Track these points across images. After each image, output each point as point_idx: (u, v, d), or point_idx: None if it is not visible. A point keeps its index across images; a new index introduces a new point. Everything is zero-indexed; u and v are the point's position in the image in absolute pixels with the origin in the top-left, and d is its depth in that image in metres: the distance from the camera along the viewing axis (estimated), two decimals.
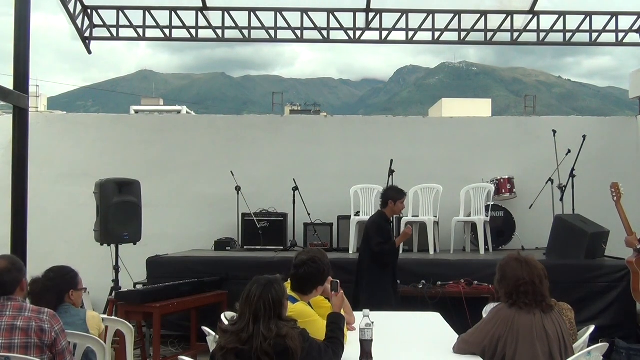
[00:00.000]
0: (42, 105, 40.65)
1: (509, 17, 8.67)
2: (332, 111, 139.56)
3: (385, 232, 6.23)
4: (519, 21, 8.72)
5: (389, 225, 6.35)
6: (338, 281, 3.76)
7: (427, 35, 8.78)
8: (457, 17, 8.67)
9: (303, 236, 8.36)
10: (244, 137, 9.17)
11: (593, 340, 3.80)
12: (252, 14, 8.61)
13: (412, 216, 8.10)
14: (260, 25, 8.65)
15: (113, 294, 6.44)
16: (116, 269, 6.67)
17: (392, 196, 6.17)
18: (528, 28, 8.74)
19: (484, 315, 4.26)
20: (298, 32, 8.64)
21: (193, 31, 8.69)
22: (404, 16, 8.64)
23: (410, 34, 8.72)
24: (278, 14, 8.61)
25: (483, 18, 8.68)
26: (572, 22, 8.71)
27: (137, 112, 34.66)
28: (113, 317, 5.03)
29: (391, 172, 8.01)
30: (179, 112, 45.63)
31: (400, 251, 7.97)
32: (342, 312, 3.78)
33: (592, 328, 3.84)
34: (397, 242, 6.30)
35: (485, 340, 3.41)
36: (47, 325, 3.22)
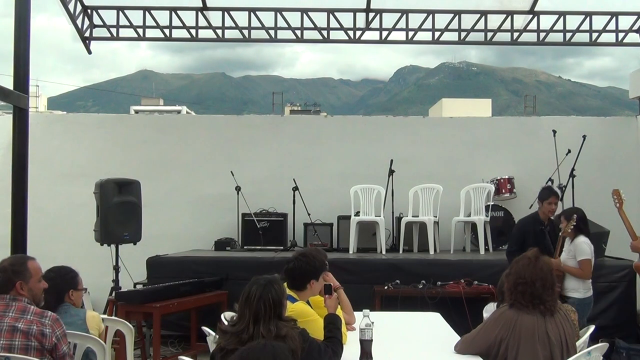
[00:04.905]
0: (42, 106, 40.71)
1: (509, 17, 8.67)
2: (332, 111, 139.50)
3: (531, 236, 5.80)
4: (519, 21, 8.72)
5: (540, 227, 5.88)
6: (331, 284, 3.75)
7: (427, 35, 8.77)
8: (457, 17, 8.66)
9: (303, 236, 8.35)
10: (244, 137, 9.16)
11: (593, 340, 3.81)
12: (252, 14, 8.60)
13: (412, 216, 8.10)
14: (260, 25, 8.64)
15: (113, 294, 6.43)
16: (116, 269, 6.66)
17: (540, 195, 5.89)
18: (528, 28, 8.73)
19: (484, 315, 4.27)
20: (298, 32, 8.64)
21: (193, 31, 8.69)
22: (404, 16, 8.64)
23: (410, 34, 8.71)
24: (278, 14, 8.61)
25: (483, 18, 8.68)
26: (572, 22, 8.70)
27: (137, 112, 34.64)
28: (113, 317, 5.03)
29: (391, 172, 8.03)
30: (179, 112, 45.58)
31: (401, 251, 8.01)
32: (341, 312, 3.79)
33: (592, 328, 3.85)
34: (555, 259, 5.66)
35: (488, 341, 3.42)
36: (49, 330, 3.22)
